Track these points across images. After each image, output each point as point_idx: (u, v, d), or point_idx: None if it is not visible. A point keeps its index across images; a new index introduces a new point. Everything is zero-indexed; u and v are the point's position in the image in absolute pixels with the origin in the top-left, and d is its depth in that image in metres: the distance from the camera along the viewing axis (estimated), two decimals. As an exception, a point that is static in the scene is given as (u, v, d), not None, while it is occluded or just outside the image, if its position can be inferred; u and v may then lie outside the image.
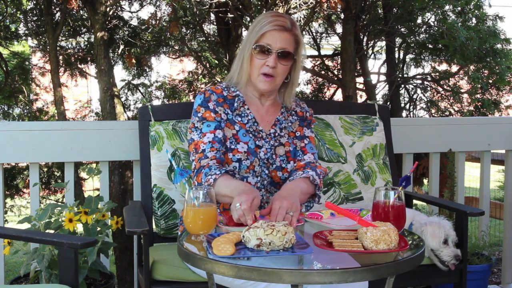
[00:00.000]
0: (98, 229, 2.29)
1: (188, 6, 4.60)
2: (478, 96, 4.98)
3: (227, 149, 2.05)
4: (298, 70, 2.15)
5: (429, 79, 5.51)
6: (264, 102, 2.17)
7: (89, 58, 5.74)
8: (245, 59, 2.08)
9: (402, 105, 5.56)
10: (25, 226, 2.31)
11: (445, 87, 5.46)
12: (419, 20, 4.96)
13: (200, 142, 2.04)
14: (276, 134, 2.15)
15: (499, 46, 4.58)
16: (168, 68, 7.57)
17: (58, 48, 5.00)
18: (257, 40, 2.04)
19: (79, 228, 2.29)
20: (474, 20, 4.60)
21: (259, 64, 2.05)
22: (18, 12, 5.41)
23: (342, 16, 4.74)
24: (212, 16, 5.21)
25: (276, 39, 2.03)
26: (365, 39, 5.22)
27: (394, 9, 4.87)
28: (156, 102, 6.27)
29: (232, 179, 1.93)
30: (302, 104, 2.30)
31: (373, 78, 5.39)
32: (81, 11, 5.10)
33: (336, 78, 5.52)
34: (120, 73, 6.28)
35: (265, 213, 1.81)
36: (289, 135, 2.18)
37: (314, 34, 5.79)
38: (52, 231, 2.26)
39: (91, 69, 6.28)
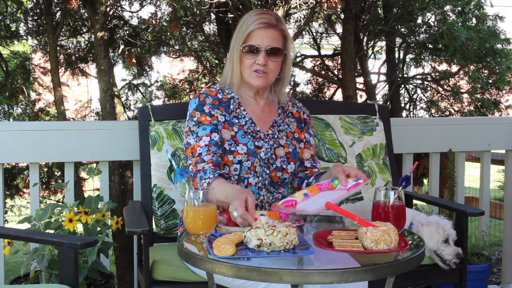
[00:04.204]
0: (98, 229, 2.29)
1: (188, 6, 4.60)
2: (478, 96, 4.97)
3: (225, 151, 2.05)
4: (289, 65, 2.15)
5: (429, 79, 5.51)
6: (259, 102, 2.17)
7: (89, 58, 5.75)
8: (235, 61, 2.07)
9: (402, 105, 5.56)
10: (25, 226, 2.31)
11: (445, 87, 5.46)
12: (419, 20, 4.96)
13: (197, 146, 2.04)
14: (275, 136, 2.15)
15: (499, 46, 4.58)
16: (168, 67, 7.57)
17: (58, 48, 5.01)
18: (244, 40, 2.04)
19: (79, 228, 2.29)
20: (474, 20, 4.60)
21: (249, 64, 2.05)
22: (19, 12, 5.42)
23: (342, 16, 4.74)
24: (212, 16, 5.21)
25: (263, 37, 2.03)
26: (365, 39, 5.22)
27: (394, 9, 4.87)
28: (157, 102, 6.28)
29: (225, 182, 1.92)
30: (298, 103, 2.30)
31: (373, 78, 5.39)
32: (81, 10, 5.10)
33: (336, 78, 5.52)
34: (120, 73, 6.28)
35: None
36: (288, 136, 2.18)
37: (314, 34, 5.79)
38: (52, 231, 2.26)
39: (91, 69, 6.28)
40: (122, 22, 5.47)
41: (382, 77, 5.55)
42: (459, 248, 2.33)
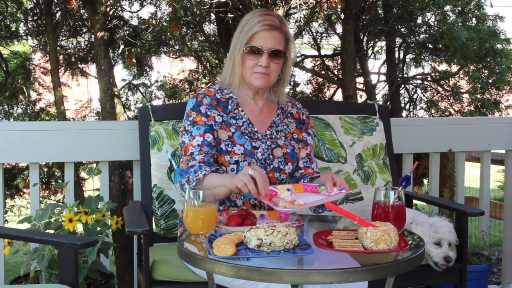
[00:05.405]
0: (98, 229, 2.29)
1: (188, 6, 4.60)
2: (478, 96, 4.98)
3: (222, 152, 2.06)
4: (289, 67, 2.16)
5: (429, 79, 5.52)
6: (258, 102, 2.18)
7: (89, 58, 5.75)
8: (237, 61, 2.08)
9: (402, 105, 5.56)
10: (25, 226, 2.31)
11: (445, 87, 5.46)
12: (419, 20, 4.96)
13: (189, 145, 2.05)
14: (273, 136, 2.15)
15: (499, 46, 4.58)
16: (168, 67, 7.57)
17: (58, 48, 5.01)
18: (247, 41, 2.04)
19: (79, 228, 2.29)
20: (474, 20, 4.60)
21: (251, 65, 2.06)
22: (19, 12, 5.42)
23: (342, 16, 4.74)
24: (212, 16, 5.21)
25: (267, 39, 2.03)
26: (365, 39, 5.22)
27: (394, 9, 4.87)
28: (157, 102, 6.28)
29: (222, 174, 1.97)
30: (298, 104, 2.30)
31: (373, 78, 5.39)
32: (81, 10, 5.11)
33: (336, 78, 5.53)
34: (120, 73, 6.28)
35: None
36: (286, 136, 2.19)
37: (314, 34, 5.79)
38: (52, 231, 2.26)
39: (91, 69, 6.28)
40: (122, 22, 5.47)
41: (382, 77, 5.56)
42: (449, 251, 2.30)
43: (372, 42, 5.39)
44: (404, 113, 5.53)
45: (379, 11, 5.24)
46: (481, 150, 3.34)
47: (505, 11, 4.87)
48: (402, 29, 5.04)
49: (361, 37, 5.12)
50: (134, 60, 5.67)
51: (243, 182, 1.77)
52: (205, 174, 1.94)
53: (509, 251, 3.38)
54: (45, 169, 5.41)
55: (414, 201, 2.99)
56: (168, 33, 5.34)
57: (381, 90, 5.75)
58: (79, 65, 5.87)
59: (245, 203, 2.09)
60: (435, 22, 4.78)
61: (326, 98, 5.93)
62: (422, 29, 4.95)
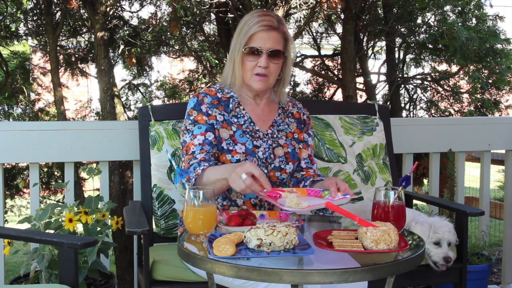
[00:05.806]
0: (98, 229, 2.29)
1: (188, 6, 4.60)
2: (478, 96, 4.98)
3: (223, 151, 2.06)
4: (289, 66, 2.17)
5: (429, 79, 5.52)
6: (259, 102, 2.18)
7: (89, 58, 5.75)
8: (236, 62, 2.08)
9: (402, 105, 5.57)
10: (25, 226, 2.31)
11: (445, 87, 5.46)
12: (419, 20, 4.96)
13: (191, 144, 2.05)
14: (274, 135, 2.15)
15: (499, 46, 4.58)
16: (168, 67, 7.57)
17: (58, 48, 5.01)
18: (246, 42, 2.05)
19: (79, 228, 2.29)
20: (474, 20, 4.61)
21: (251, 66, 2.06)
22: (19, 12, 5.42)
23: (342, 16, 4.74)
24: (212, 16, 5.21)
25: (265, 39, 2.04)
26: (365, 39, 5.22)
27: (394, 9, 4.88)
28: (157, 102, 6.28)
29: (221, 166, 1.98)
30: (298, 104, 2.31)
31: (373, 78, 5.39)
32: (81, 10, 5.11)
33: (336, 78, 5.53)
34: (120, 73, 6.28)
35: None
36: (287, 136, 2.19)
37: (314, 34, 5.79)
38: (52, 231, 2.26)
39: (91, 69, 6.28)
40: (122, 22, 5.47)
41: (382, 77, 5.56)
42: (449, 252, 2.29)
43: (372, 42, 5.40)
44: (404, 113, 5.53)
45: (379, 11, 5.24)
46: (481, 150, 3.34)
47: (505, 11, 4.87)
48: (402, 29, 5.04)
49: (361, 37, 5.13)
50: (134, 60, 5.67)
51: (239, 189, 1.77)
52: (204, 169, 1.94)
53: (509, 251, 3.38)
54: (45, 169, 5.41)
55: (414, 201, 2.99)
56: (168, 33, 5.34)
57: (381, 90, 5.76)
58: (79, 65, 5.87)
59: (245, 203, 2.09)
60: (435, 22, 4.78)
61: (326, 98, 5.93)
62: (422, 29, 4.95)
